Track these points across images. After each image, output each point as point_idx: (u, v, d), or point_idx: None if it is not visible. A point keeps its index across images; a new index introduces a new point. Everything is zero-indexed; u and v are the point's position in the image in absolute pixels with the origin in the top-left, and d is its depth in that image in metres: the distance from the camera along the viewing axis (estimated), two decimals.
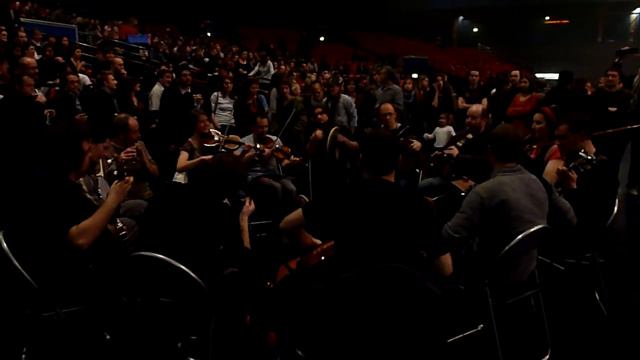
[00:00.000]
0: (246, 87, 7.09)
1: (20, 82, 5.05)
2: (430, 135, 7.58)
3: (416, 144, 4.95)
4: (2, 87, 5.55)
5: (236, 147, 5.02)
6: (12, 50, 7.66)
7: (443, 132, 7.47)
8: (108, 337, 2.61)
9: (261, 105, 7.27)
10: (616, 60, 6.72)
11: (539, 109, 4.36)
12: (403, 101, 7.77)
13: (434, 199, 3.66)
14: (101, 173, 3.78)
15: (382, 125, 5.36)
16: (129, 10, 22.06)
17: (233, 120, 6.78)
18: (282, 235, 2.63)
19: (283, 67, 12.47)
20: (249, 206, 3.11)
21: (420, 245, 2.29)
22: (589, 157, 3.13)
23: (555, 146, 3.98)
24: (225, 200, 3.00)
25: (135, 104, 6.34)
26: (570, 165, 3.19)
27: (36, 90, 5.58)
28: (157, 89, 7.03)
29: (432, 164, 4.67)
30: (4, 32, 8.66)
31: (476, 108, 4.67)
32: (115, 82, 6.41)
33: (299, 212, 2.48)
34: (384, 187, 2.34)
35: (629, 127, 5.53)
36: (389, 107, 5.34)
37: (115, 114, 4.77)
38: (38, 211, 2.53)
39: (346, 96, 7.31)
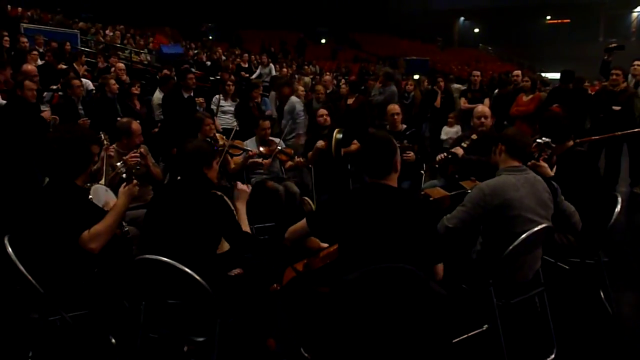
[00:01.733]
0: (249, 91, 7.06)
1: (22, 87, 5.05)
2: (444, 137, 7.59)
3: (409, 157, 4.94)
4: (5, 92, 5.57)
5: (240, 152, 5.02)
6: (17, 56, 7.69)
7: (452, 132, 7.46)
8: (113, 340, 2.62)
9: (260, 108, 7.26)
10: (605, 57, 6.71)
11: (548, 109, 4.35)
12: (397, 102, 7.73)
13: (452, 193, 3.65)
14: (103, 180, 3.79)
15: (387, 126, 5.35)
16: (131, 14, 22.16)
17: (236, 123, 6.78)
18: (284, 239, 2.63)
19: (285, 69, 12.49)
20: (242, 188, 3.09)
21: (421, 249, 2.29)
22: (543, 141, 3.44)
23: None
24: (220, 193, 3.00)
25: (138, 107, 6.35)
26: (536, 155, 3.39)
27: (41, 107, 5.56)
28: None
29: (437, 166, 4.65)
30: (6, 38, 8.70)
31: (482, 108, 4.64)
32: (117, 86, 6.44)
33: (303, 223, 2.49)
34: (383, 191, 2.34)
35: (619, 133, 5.54)
36: (396, 107, 5.33)
37: (118, 119, 4.78)
38: (46, 217, 2.54)
39: (295, 98, 7.09)
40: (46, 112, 5.38)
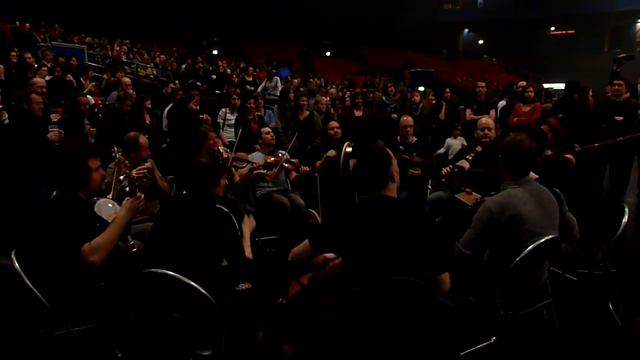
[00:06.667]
0: (243, 103, 7.05)
1: (28, 100, 4.97)
2: (441, 150, 7.56)
3: (415, 174, 4.96)
4: (9, 108, 5.58)
5: (244, 164, 5.02)
6: (26, 72, 7.76)
7: (457, 144, 7.46)
8: (119, 354, 2.61)
9: (262, 120, 7.26)
10: (614, 68, 6.71)
11: (545, 120, 4.33)
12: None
13: (437, 219, 3.63)
14: (110, 195, 3.80)
15: (399, 137, 5.35)
16: (137, 29, 22.36)
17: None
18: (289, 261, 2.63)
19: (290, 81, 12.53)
20: (250, 221, 3.10)
21: (423, 260, 2.28)
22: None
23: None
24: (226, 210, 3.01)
25: (148, 122, 6.38)
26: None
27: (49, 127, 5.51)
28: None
29: (443, 180, 4.63)
30: (13, 54, 8.77)
31: (486, 120, 4.64)
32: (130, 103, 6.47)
33: (306, 244, 2.49)
34: (383, 203, 2.34)
35: (621, 138, 5.50)
36: (409, 119, 5.34)
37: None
38: (50, 229, 2.55)
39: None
40: (52, 132, 5.30)
